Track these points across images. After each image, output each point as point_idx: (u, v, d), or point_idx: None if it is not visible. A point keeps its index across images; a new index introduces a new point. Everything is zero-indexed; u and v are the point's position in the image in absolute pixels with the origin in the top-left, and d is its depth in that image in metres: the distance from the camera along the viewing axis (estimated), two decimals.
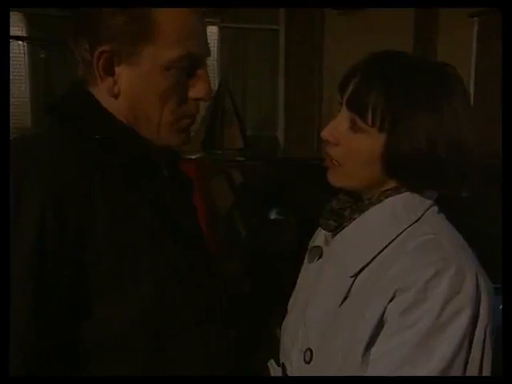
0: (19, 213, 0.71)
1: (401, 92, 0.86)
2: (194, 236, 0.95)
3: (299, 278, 1.09)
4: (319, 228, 1.03)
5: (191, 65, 0.84)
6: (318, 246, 1.02)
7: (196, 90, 0.86)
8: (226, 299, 1.05)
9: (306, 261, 1.07)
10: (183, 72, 0.84)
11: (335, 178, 0.94)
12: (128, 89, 0.84)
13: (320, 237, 1.04)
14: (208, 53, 0.88)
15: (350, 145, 0.90)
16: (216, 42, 5.41)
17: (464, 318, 0.81)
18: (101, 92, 0.85)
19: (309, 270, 1.04)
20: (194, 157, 3.31)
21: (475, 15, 5.56)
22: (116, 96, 0.84)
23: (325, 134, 0.93)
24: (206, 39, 0.88)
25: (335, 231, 0.96)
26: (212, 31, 5.28)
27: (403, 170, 0.89)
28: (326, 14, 5.28)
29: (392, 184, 0.92)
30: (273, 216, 3.75)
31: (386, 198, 0.92)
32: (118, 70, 0.83)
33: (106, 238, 0.77)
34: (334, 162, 0.93)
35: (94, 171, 0.79)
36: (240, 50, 5.60)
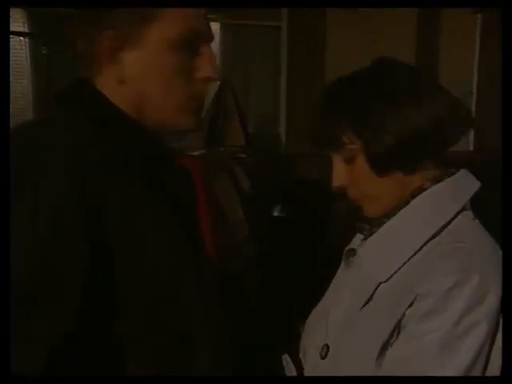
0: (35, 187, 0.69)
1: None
2: (194, 238, 0.94)
3: (334, 279, 1.10)
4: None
5: (195, 43, 0.84)
6: (353, 249, 1.03)
7: (203, 70, 0.86)
8: (229, 297, 1.04)
9: (342, 262, 1.08)
10: (188, 51, 0.83)
11: (370, 213, 0.97)
12: (134, 74, 0.83)
13: (356, 240, 1.05)
14: (211, 36, 0.88)
15: (355, 177, 0.95)
16: (218, 38, 5.38)
17: (482, 331, 0.78)
18: (104, 82, 0.84)
19: (343, 271, 1.07)
20: (196, 153, 3.30)
21: (478, 11, 5.53)
22: (123, 82, 0.83)
23: (335, 184, 0.97)
24: (208, 22, 0.88)
25: (369, 235, 0.97)
26: (214, 28, 5.24)
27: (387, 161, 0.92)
28: (328, 12, 5.26)
29: (415, 184, 0.92)
30: (276, 213, 3.74)
31: (412, 198, 0.92)
32: (122, 55, 0.82)
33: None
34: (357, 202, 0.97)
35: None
36: (242, 46, 5.58)
